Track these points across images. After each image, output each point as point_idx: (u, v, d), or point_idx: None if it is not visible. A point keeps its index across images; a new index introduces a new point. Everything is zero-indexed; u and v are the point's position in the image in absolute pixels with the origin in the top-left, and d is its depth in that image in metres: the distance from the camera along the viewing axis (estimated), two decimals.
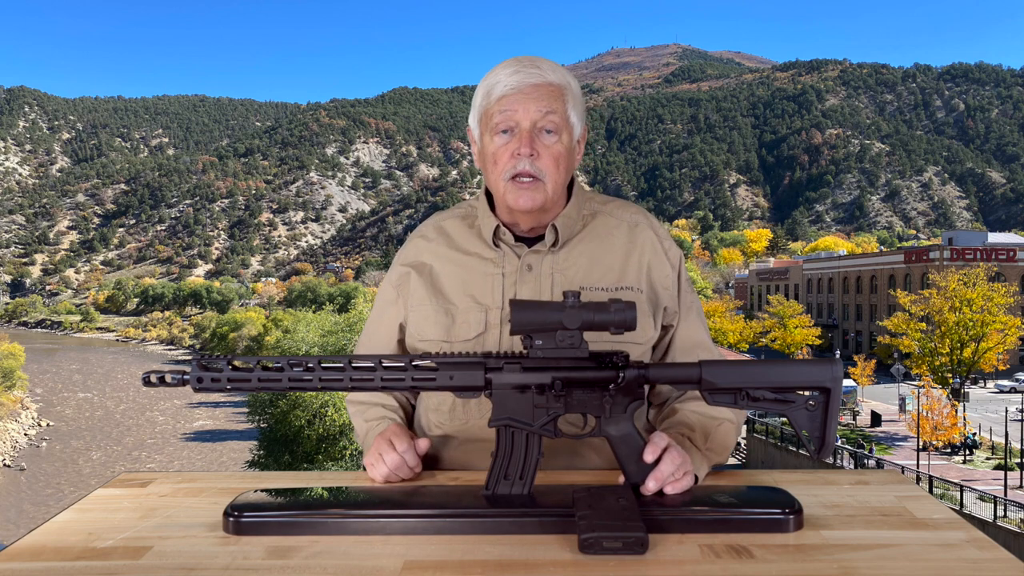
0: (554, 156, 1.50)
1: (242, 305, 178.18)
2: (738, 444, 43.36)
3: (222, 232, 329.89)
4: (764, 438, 40.14)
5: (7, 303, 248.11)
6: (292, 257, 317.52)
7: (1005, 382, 56.90)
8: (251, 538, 1.14)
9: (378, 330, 1.71)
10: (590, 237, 1.62)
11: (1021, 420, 37.00)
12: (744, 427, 43.25)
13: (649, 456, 1.28)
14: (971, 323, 43.25)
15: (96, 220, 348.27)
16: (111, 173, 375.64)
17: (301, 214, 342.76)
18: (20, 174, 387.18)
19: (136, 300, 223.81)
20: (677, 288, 1.65)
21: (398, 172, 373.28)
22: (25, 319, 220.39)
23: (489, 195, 1.64)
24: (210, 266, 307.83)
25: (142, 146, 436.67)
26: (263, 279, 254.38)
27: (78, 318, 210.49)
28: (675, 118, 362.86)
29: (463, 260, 1.62)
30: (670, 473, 1.28)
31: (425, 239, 1.69)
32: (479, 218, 1.65)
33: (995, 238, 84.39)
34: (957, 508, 24.02)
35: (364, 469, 1.56)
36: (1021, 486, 30.05)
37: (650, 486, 1.26)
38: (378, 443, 1.50)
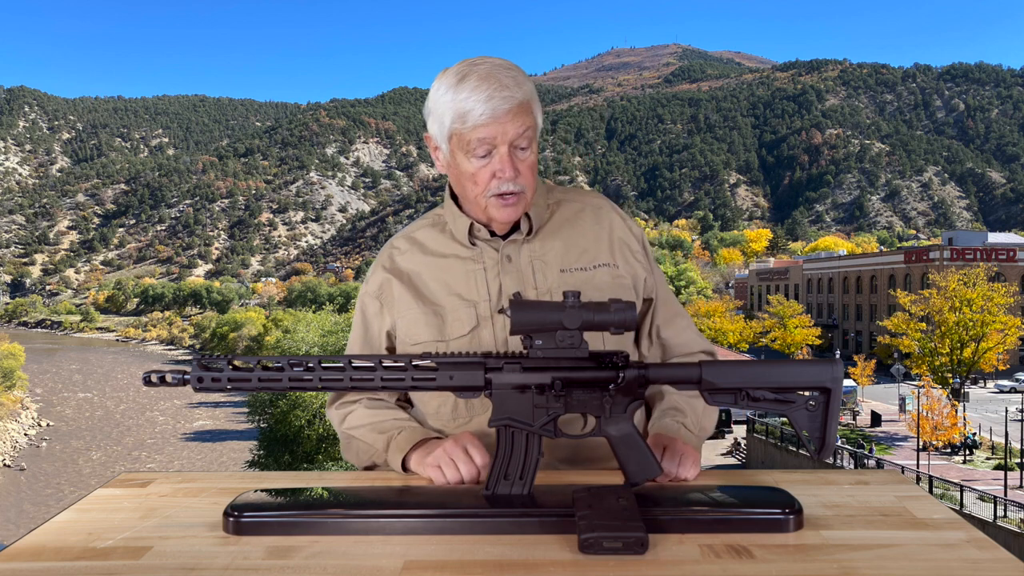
0: (530, 167, 1.55)
1: (242, 305, 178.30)
2: (738, 444, 43.41)
3: (222, 232, 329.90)
4: (764, 438, 40.10)
5: (7, 303, 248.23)
6: (292, 257, 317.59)
7: (1005, 382, 56.93)
8: (251, 538, 1.14)
9: (366, 344, 1.69)
10: (560, 223, 1.69)
11: (1021, 420, 37.03)
12: (744, 427, 43.29)
13: (669, 460, 1.42)
14: (971, 323, 43.28)
15: (96, 220, 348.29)
16: (111, 173, 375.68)
17: (301, 214, 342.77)
18: (20, 174, 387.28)
19: (136, 300, 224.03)
20: (647, 260, 1.74)
21: (398, 172, 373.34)
22: (25, 319, 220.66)
23: (454, 196, 1.67)
24: (210, 266, 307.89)
25: (142, 146, 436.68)
26: (263, 279, 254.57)
27: (78, 318, 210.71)
28: (675, 118, 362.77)
29: (441, 263, 1.65)
30: (692, 477, 1.42)
31: (398, 251, 1.70)
32: (449, 222, 1.68)
33: (995, 238, 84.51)
34: (957, 508, 24.03)
35: (373, 468, 1.59)
36: (1021, 486, 30.08)
37: (675, 472, 1.40)
38: (452, 449, 1.42)
